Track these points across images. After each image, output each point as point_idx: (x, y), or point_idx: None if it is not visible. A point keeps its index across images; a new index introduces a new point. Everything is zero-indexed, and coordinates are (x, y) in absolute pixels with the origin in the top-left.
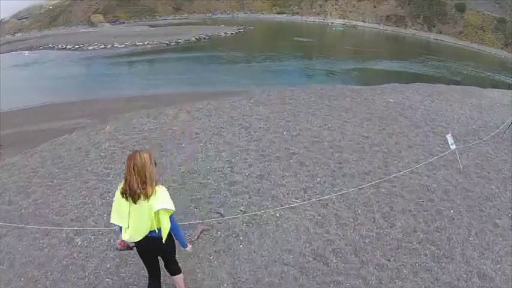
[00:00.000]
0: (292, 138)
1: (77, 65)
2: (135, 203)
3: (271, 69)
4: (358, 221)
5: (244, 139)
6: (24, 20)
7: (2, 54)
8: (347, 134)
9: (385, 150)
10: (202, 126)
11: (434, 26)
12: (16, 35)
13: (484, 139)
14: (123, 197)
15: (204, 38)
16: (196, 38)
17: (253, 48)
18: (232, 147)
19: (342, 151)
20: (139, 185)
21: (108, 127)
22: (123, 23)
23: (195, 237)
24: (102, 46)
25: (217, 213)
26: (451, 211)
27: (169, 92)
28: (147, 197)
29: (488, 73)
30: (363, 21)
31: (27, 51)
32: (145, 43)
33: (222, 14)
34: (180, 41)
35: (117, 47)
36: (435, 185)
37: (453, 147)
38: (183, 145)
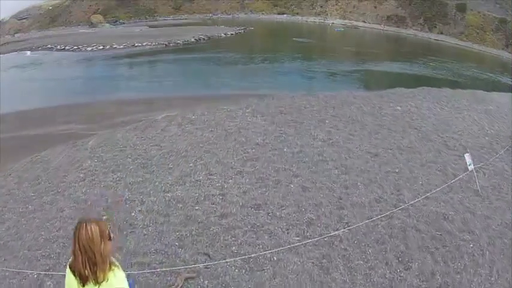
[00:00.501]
0: (293, 156)
1: (74, 67)
2: (83, 287)
3: (271, 72)
4: (369, 264)
5: (240, 157)
6: (24, 20)
7: (0, 55)
8: (354, 150)
9: (397, 171)
10: (193, 142)
11: (435, 27)
12: (16, 35)
13: (499, 154)
14: (71, 272)
15: (204, 39)
16: (195, 39)
17: (253, 49)
18: (226, 168)
19: (349, 172)
20: (87, 267)
21: (91, 142)
22: (123, 23)
23: (178, 287)
24: (101, 47)
25: (205, 254)
26: (471, 245)
27: (165, 95)
28: (97, 282)
29: (491, 74)
30: (364, 21)
31: (29, 51)
32: (144, 44)
33: (222, 14)
34: (179, 41)
35: (115, 47)
36: (452, 213)
37: (471, 167)
38: (170, 165)
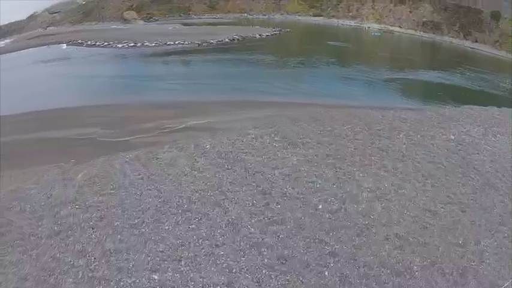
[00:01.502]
0: (331, 219)
1: (103, 64)
2: None
3: (305, 76)
4: None
5: (260, 218)
6: (56, 14)
7: (31, 49)
8: (408, 206)
9: (461, 242)
10: (201, 187)
11: (470, 34)
12: (48, 28)
13: None
14: None
15: (238, 39)
16: (229, 39)
17: (288, 51)
18: (238, 236)
19: (403, 246)
20: None
21: (80, 175)
22: (157, 20)
23: None
24: (132, 44)
25: None
26: None
27: (193, 99)
28: None
29: None
30: (399, 26)
31: (65, 44)
32: (176, 42)
33: (257, 14)
34: (212, 41)
35: (147, 45)
36: None
37: None
38: (166, 226)
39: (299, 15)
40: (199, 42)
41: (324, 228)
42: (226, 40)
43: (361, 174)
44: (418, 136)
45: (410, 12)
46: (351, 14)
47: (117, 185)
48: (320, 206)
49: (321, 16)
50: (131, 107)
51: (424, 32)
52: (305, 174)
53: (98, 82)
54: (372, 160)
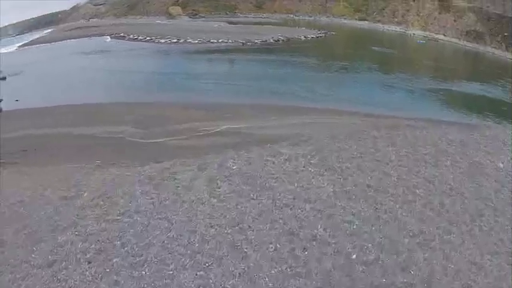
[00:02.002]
0: (364, 272)
1: (144, 59)
2: None
3: (346, 82)
4: None
5: (281, 268)
6: (100, 6)
7: (72, 40)
8: (452, 258)
9: None
10: (218, 221)
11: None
12: (91, 20)
13: None
14: None
15: (283, 40)
16: (274, 40)
17: (332, 55)
18: None
19: None
20: None
21: (86, 195)
22: (203, 17)
23: None
24: (175, 40)
25: None
26: None
27: (230, 101)
28: None
29: None
30: (444, 34)
31: (109, 37)
32: (220, 41)
33: (304, 15)
34: (256, 41)
35: (190, 42)
36: None
37: None
38: (170, 270)
39: (344, 19)
40: (244, 42)
41: (355, 287)
42: (271, 40)
43: (404, 213)
44: (466, 163)
45: (455, 20)
46: (396, 19)
47: (124, 210)
48: (354, 256)
49: (366, 20)
50: (166, 105)
51: (467, 41)
52: (341, 210)
53: (135, 77)
54: (417, 194)
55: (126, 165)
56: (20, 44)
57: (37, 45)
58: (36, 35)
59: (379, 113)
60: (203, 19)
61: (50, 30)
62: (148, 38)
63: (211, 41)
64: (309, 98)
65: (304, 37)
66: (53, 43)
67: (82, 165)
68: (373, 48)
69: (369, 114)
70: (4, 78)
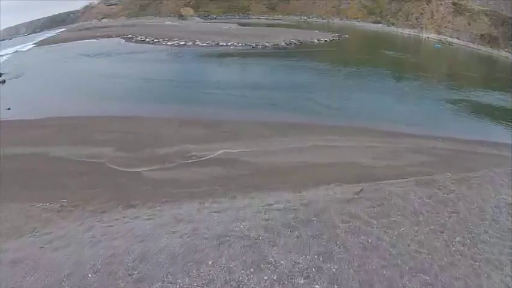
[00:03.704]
0: None
1: (146, 63)
2: None
3: (359, 92)
4: None
5: None
6: (113, 6)
7: (79, 41)
8: None
9: None
10: None
11: None
12: (103, 20)
13: None
14: None
15: (295, 43)
16: (286, 43)
17: (345, 60)
18: None
19: None
20: None
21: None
22: (215, 18)
23: None
24: (182, 43)
25: None
26: None
27: (230, 116)
28: None
29: None
30: (458, 38)
31: (115, 39)
32: (229, 44)
33: (317, 18)
34: (267, 44)
35: (198, 44)
36: None
37: None
38: None
39: (358, 21)
40: (254, 45)
41: None
42: (283, 44)
43: None
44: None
45: (469, 24)
46: (410, 22)
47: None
48: None
49: (380, 23)
50: (160, 121)
51: (481, 45)
52: None
53: (131, 85)
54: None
55: (91, 209)
56: (30, 43)
57: (46, 46)
58: (47, 34)
59: (395, 131)
60: (214, 20)
61: (61, 29)
62: (155, 40)
63: (220, 43)
64: (317, 112)
65: (318, 40)
66: (59, 44)
67: (45, 204)
68: (390, 53)
69: (384, 133)
70: (3, 82)
